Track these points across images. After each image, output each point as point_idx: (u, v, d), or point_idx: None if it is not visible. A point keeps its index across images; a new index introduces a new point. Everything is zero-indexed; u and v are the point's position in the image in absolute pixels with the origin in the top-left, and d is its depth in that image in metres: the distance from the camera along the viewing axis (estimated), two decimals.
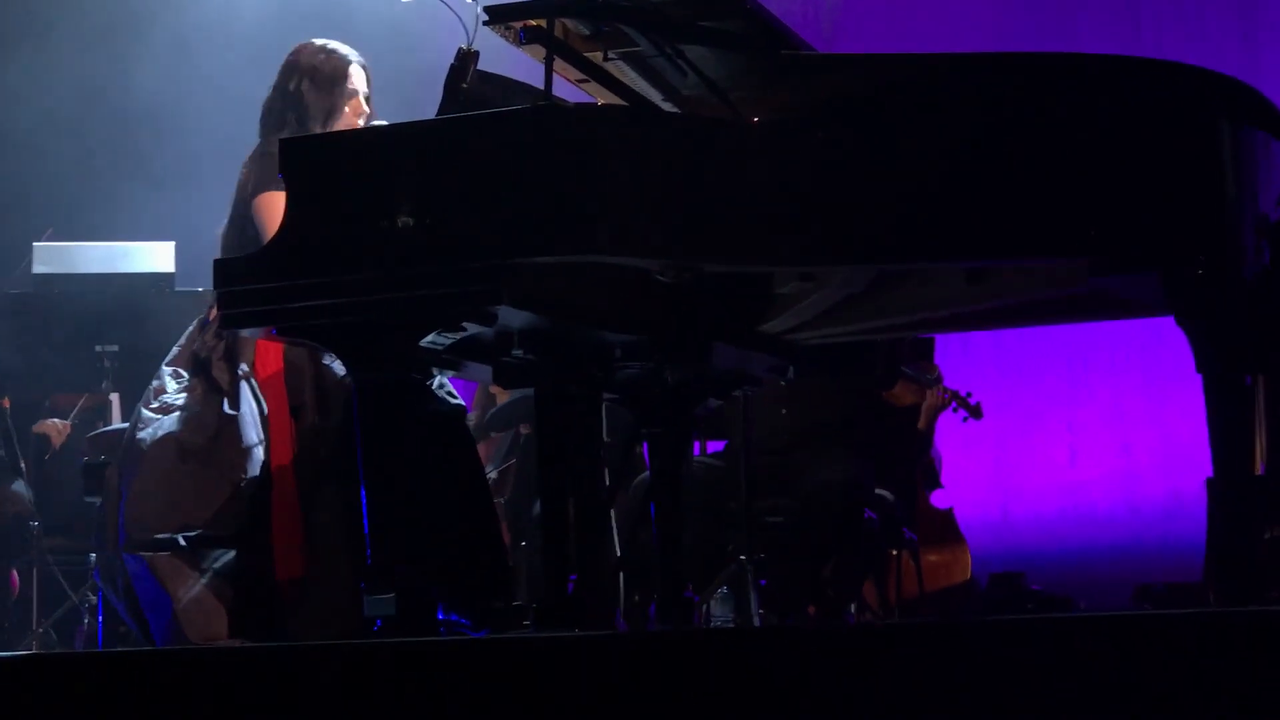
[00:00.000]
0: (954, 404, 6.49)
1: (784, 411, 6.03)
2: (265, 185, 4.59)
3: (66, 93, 8.26)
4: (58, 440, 7.02)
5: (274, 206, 4.54)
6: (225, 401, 4.56)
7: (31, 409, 7.03)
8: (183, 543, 4.46)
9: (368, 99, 4.76)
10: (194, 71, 8.32)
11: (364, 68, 4.78)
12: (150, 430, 4.58)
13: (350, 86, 4.73)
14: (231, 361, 4.59)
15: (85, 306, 6.74)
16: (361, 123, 4.72)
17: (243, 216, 4.65)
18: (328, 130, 4.65)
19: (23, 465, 6.80)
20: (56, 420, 7.04)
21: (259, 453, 4.50)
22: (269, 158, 4.60)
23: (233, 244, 4.63)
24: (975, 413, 6.53)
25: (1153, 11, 8.20)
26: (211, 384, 4.60)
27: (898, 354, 6.22)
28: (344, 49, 4.78)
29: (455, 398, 4.69)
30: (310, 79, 4.70)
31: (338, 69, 4.73)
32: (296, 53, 4.78)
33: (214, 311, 4.62)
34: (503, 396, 7.32)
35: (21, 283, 6.96)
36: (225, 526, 4.48)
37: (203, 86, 8.19)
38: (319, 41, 4.81)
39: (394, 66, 6.14)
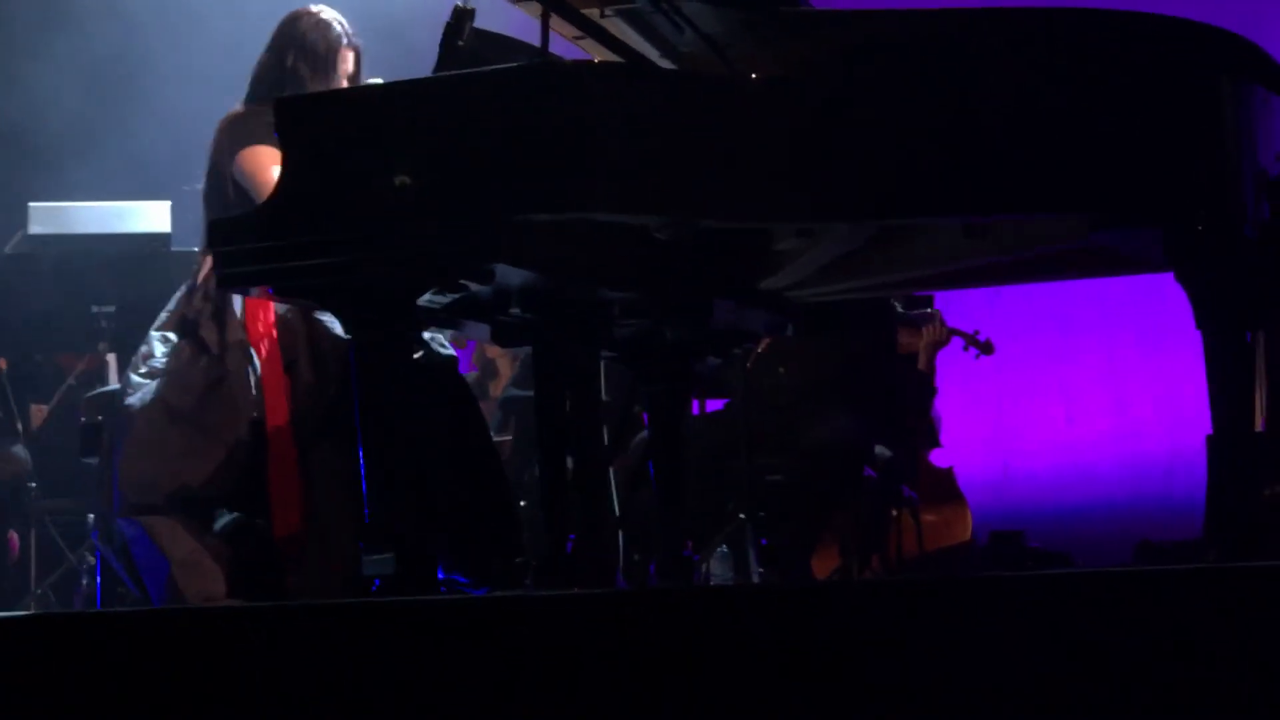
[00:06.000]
0: (964, 343, 6.40)
1: (782, 370, 6.01)
2: (244, 144, 4.56)
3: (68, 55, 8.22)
4: (37, 421, 7.02)
5: (257, 160, 4.52)
6: (213, 362, 4.54)
7: (29, 370, 7.01)
8: (178, 504, 4.46)
9: (353, 79, 4.70)
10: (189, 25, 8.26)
11: (355, 49, 4.71)
12: (139, 396, 4.56)
13: (342, 68, 4.68)
14: (220, 322, 4.57)
15: (81, 267, 6.70)
16: None
17: (220, 177, 4.62)
18: None
19: (20, 427, 6.79)
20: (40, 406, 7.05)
21: (253, 413, 4.49)
22: (248, 118, 4.58)
23: (214, 206, 4.60)
24: (986, 349, 6.42)
25: None
26: (199, 345, 4.58)
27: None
28: (338, 26, 4.70)
29: (446, 348, 4.66)
30: (305, 58, 4.65)
31: (331, 49, 4.67)
32: (291, 22, 4.71)
33: (202, 275, 4.61)
34: (503, 360, 7.33)
35: (17, 244, 6.93)
36: (220, 486, 4.47)
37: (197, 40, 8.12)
38: (314, 10, 4.72)
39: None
